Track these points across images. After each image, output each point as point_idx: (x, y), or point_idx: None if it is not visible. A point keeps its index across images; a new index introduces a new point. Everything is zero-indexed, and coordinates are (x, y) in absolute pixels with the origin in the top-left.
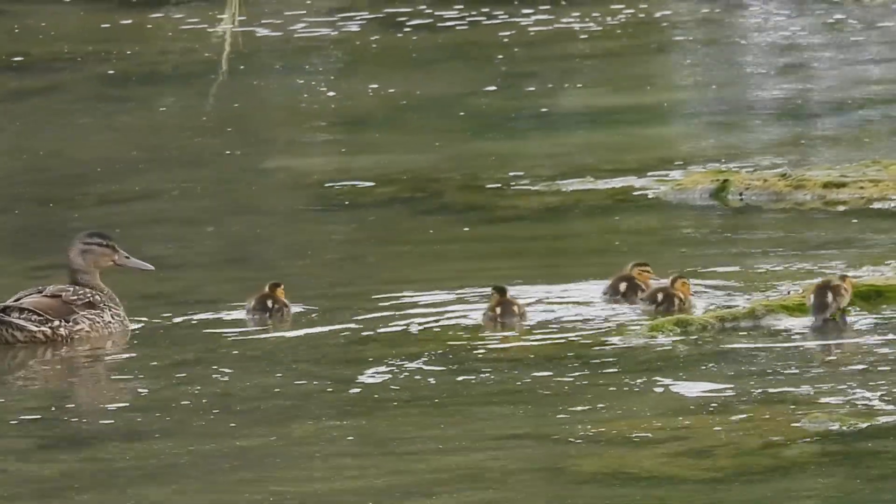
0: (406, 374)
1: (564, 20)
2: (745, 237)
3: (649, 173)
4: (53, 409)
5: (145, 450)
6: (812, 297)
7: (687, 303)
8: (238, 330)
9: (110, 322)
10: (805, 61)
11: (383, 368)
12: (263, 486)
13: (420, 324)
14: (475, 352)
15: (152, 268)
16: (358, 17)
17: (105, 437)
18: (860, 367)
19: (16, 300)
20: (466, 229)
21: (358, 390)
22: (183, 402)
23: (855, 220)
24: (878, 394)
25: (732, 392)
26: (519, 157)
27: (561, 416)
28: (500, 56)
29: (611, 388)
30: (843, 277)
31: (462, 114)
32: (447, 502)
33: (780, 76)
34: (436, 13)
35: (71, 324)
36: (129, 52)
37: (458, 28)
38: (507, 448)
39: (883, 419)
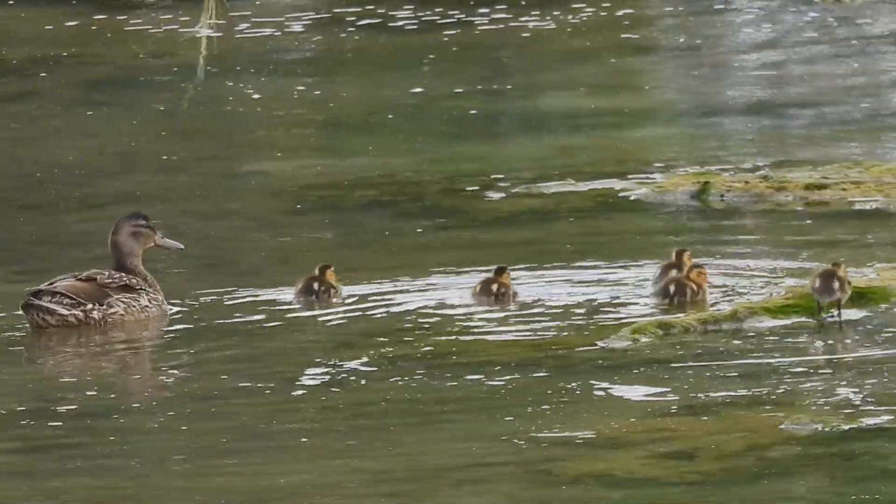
0: (387, 375)
1: (539, 20)
2: (726, 239)
3: (630, 175)
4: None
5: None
6: (817, 280)
7: (701, 293)
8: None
9: (147, 306)
10: (784, 61)
11: (363, 371)
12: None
13: (402, 327)
14: (457, 354)
15: (182, 246)
16: (336, 21)
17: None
18: (843, 368)
19: (49, 284)
20: (447, 232)
21: (337, 391)
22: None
23: (836, 222)
24: (862, 395)
25: (715, 394)
26: (499, 159)
27: (543, 417)
28: (479, 58)
29: (594, 391)
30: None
31: (442, 116)
32: None
33: (760, 76)
34: (415, 15)
35: (105, 307)
36: (104, 56)
37: (437, 30)
38: (490, 450)
39: (866, 420)
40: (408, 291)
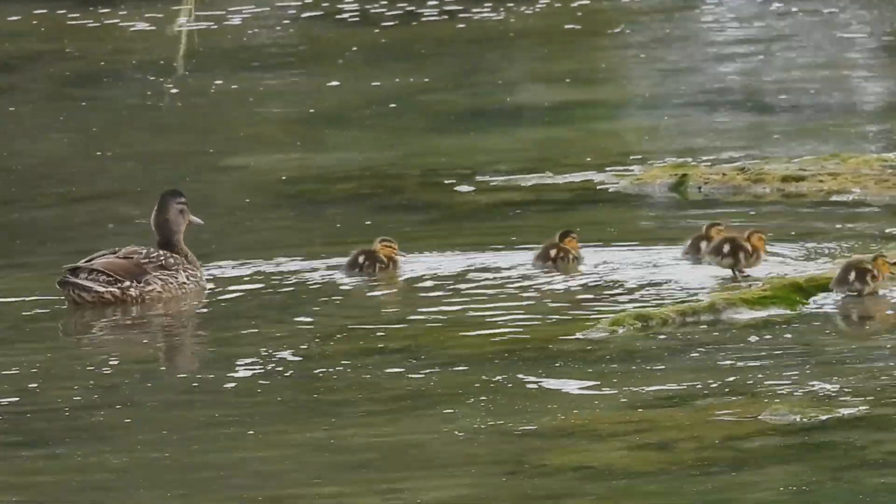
0: (369, 368)
1: (517, 13)
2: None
3: (608, 168)
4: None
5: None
6: (839, 270)
7: (755, 256)
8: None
9: (185, 283)
10: (762, 53)
11: (346, 362)
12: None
13: (384, 319)
14: (438, 347)
15: (203, 223)
16: (315, 15)
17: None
18: (820, 359)
19: (87, 261)
20: (426, 226)
21: (318, 385)
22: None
23: (814, 214)
24: (838, 386)
25: (693, 385)
26: (478, 152)
27: (523, 409)
28: (457, 51)
29: (572, 382)
30: (876, 259)
31: (420, 110)
32: (411, 496)
33: (737, 69)
34: (393, 9)
35: (143, 284)
36: (82, 51)
37: (415, 24)
38: (470, 442)
39: (843, 411)
40: (387, 283)
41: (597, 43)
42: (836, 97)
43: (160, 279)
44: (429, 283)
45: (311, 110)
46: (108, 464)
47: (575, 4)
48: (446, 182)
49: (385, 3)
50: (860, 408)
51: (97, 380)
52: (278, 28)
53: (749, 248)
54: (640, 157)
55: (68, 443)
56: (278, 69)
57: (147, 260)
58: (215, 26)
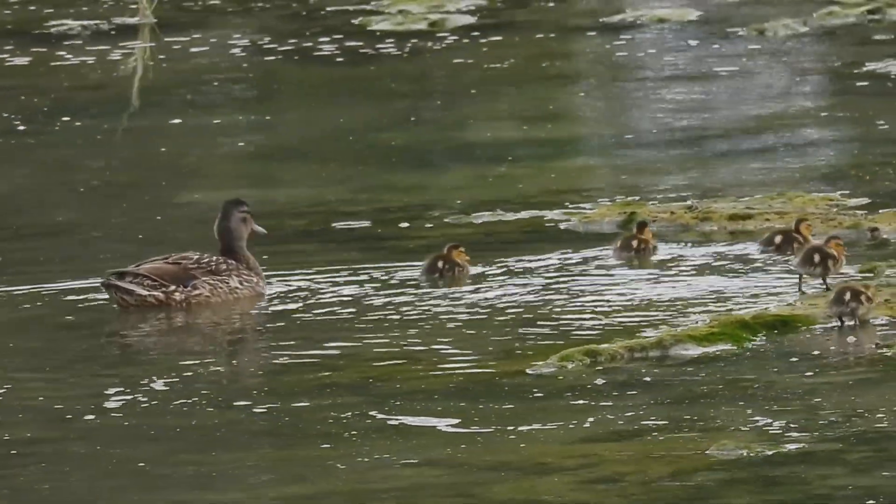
0: (321, 401)
1: (467, 51)
2: (653, 269)
3: (558, 206)
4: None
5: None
6: (833, 294)
7: (840, 263)
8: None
9: (237, 288)
10: (709, 92)
11: (301, 395)
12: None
13: (334, 354)
14: (388, 381)
15: (266, 232)
16: (268, 51)
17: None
18: (766, 395)
19: (136, 266)
20: (378, 261)
21: (267, 420)
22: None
23: (761, 252)
24: (784, 421)
25: (642, 420)
26: (429, 189)
27: (472, 443)
28: (410, 89)
29: (521, 416)
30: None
31: (373, 147)
32: None
33: (685, 107)
34: (344, 46)
35: (189, 289)
36: (37, 87)
37: (368, 61)
38: (419, 475)
39: (789, 446)
40: (339, 319)
41: (548, 81)
42: (783, 135)
43: (208, 284)
44: (379, 316)
45: (265, 146)
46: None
47: (526, 44)
48: (398, 218)
49: (339, 39)
50: (806, 443)
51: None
52: (233, 63)
53: (836, 254)
54: (589, 194)
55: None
56: (232, 104)
57: (196, 265)
58: (170, 61)
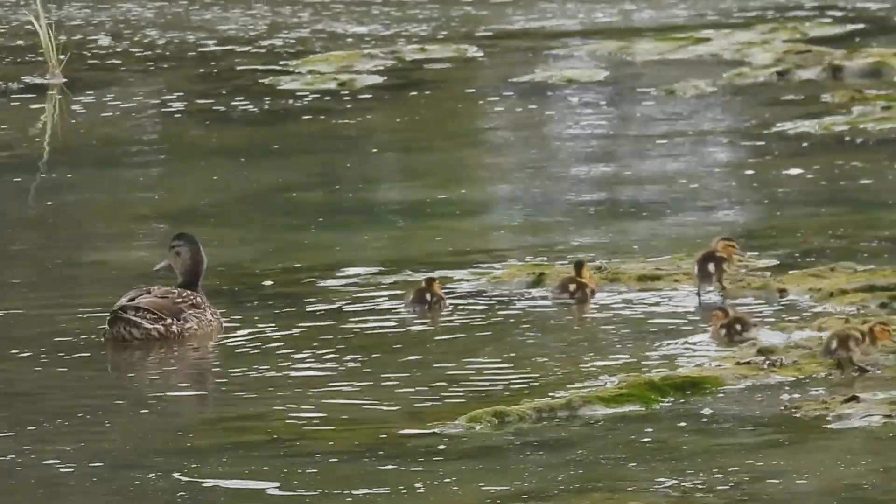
0: (241, 458)
1: (377, 112)
2: (562, 331)
3: (466, 267)
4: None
5: None
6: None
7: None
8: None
9: (211, 320)
10: (617, 152)
11: (213, 458)
12: None
13: (247, 411)
14: (292, 440)
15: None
16: (176, 110)
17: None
18: (674, 455)
19: (129, 300)
20: (284, 323)
21: (185, 483)
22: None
23: (668, 313)
24: (693, 483)
25: (550, 481)
26: (339, 250)
27: None
28: (319, 149)
29: (427, 478)
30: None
31: (282, 207)
32: None
33: (593, 169)
34: (257, 107)
35: (182, 321)
36: None
37: (279, 121)
38: None
39: None
40: (241, 382)
41: (458, 141)
42: (693, 195)
43: (195, 317)
44: (294, 377)
45: (173, 206)
46: None
47: (436, 103)
48: (306, 279)
49: (249, 98)
50: None
51: None
52: (141, 123)
53: (725, 256)
54: (498, 255)
55: None
56: (143, 165)
57: (181, 299)
58: (78, 121)
